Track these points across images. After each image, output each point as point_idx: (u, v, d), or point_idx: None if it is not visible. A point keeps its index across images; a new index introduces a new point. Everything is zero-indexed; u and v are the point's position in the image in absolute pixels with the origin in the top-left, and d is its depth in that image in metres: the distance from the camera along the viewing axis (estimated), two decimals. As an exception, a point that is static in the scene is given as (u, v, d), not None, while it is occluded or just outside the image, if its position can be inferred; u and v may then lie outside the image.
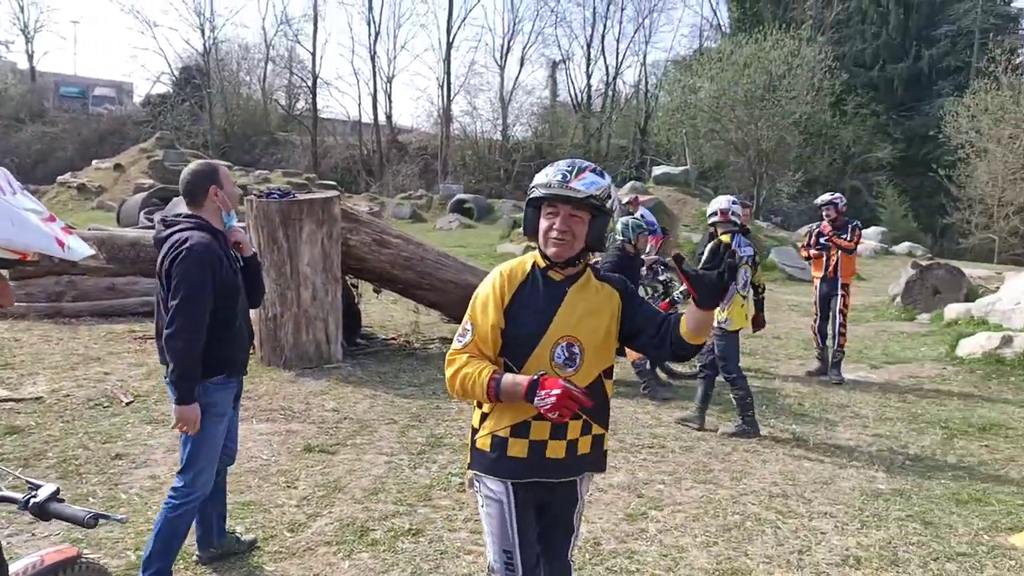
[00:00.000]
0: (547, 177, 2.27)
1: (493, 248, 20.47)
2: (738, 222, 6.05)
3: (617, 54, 44.61)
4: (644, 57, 50.36)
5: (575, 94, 42.73)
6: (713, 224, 6.14)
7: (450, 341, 8.29)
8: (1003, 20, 34.37)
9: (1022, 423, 6.41)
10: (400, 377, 7.22)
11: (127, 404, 5.80)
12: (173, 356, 2.99)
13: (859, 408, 6.81)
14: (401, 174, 36.30)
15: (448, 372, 2.29)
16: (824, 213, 7.94)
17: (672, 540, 3.96)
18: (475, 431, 2.36)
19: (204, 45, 40.04)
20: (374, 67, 41.07)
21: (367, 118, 42.01)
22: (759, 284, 6.21)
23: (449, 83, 40.40)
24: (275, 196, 7.39)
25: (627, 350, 7.07)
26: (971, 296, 12.25)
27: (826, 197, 7.99)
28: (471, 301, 2.37)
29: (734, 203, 6.08)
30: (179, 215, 3.26)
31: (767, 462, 5.31)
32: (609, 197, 2.30)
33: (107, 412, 5.63)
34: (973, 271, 14.72)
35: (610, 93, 42.62)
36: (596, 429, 2.34)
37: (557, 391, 2.08)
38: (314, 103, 40.95)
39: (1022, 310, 9.95)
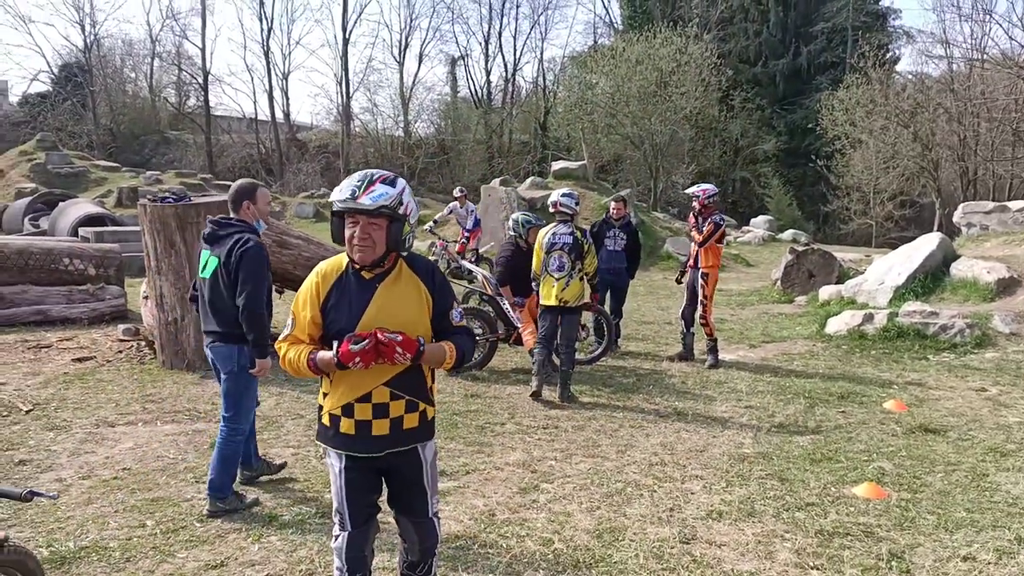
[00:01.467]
0: (341, 192, 2.54)
1: (397, 245, 20.60)
2: (568, 213, 6.84)
3: (515, 50, 45.35)
4: (541, 53, 51.42)
5: (475, 90, 43.12)
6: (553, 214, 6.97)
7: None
8: (872, 18, 36.76)
9: (876, 391, 7.16)
10: (305, 375, 7.39)
11: (27, 412, 5.77)
12: (255, 325, 4.01)
13: (735, 384, 7.44)
14: (302, 172, 35.78)
15: (280, 358, 2.68)
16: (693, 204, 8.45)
17: (560, 508, 4.36)
18: (320, 408, 2.71)
19: (85, 41, 38.31)
20: (268, 63, 40.25)
21: (264, 115, 41.17)
22: (588, 270, 6.81)
23: (347, 80, 40.05)
24: (170, 200, 7.41)
25: (524, 338, 7.52)
26: (842, 278, 13.26)
27: (692, 189, 8.47)
28: (296, 296, 2.73)
29: (564, 196, 6.92)
30: (230, 219, 4.26)
31: (650, 435, 5.81)
32: (401, 203, 2.56)
33: (6, 421, 5.60)
34: (844, 255, 15.90)
35: (510, 89, 43.21)
36: (421, 406, 2.70)
37: (364, 341, 2.45)
38: (206, 100, 39.80)
39: (884, 289, 10.93)
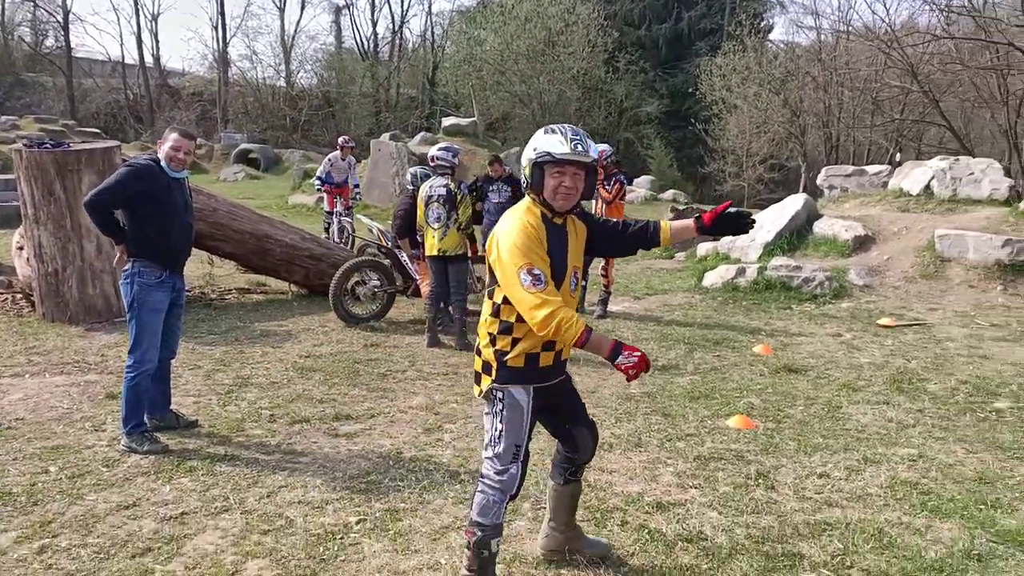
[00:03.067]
0: (561, 144, 2.70)
1: (284, 200, 20.13)
2: (446, 166, 7.08)
3: (402, 2, 44.39)
4: (429, 6, 50.48)
5: (361, 41, 42.10)
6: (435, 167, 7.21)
7: (248, 291, 8.46)
8: (750, -13, 38.26)
9: (746, 337, 7.80)
10: (199, 327, 7.29)
11: None
12: (91, 216, 4.33)
13: (622, 332, 7.90)
14: (175, 121, 33.90)
15: (542, 312, 2.61)
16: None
17: (464, 444, 4.62)
18: (504, 354, 2.83)
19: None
20: (136, 3, 37.82)
21: (131, 59, 38.67)
22: (461, 220, 7.00)
23: (224, 24, 38.19)
24: (47, 146, 7.05)
25: (422, 290, 7.67)
26: (718, 235, 14.11)
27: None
28: (506, 248, 2.70)
29: (441, 149, 7.18)
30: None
31: (544, 379, 6.14)
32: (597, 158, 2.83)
33: None
34: (721, 214, 16.81)
35: (397, 42, 42.39)
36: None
37: (638, 355, 2.68)
38: (67, 41, 36.99)
39: (755, 246, 11.73)
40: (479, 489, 2.95)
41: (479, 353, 2.95)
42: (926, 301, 9.31)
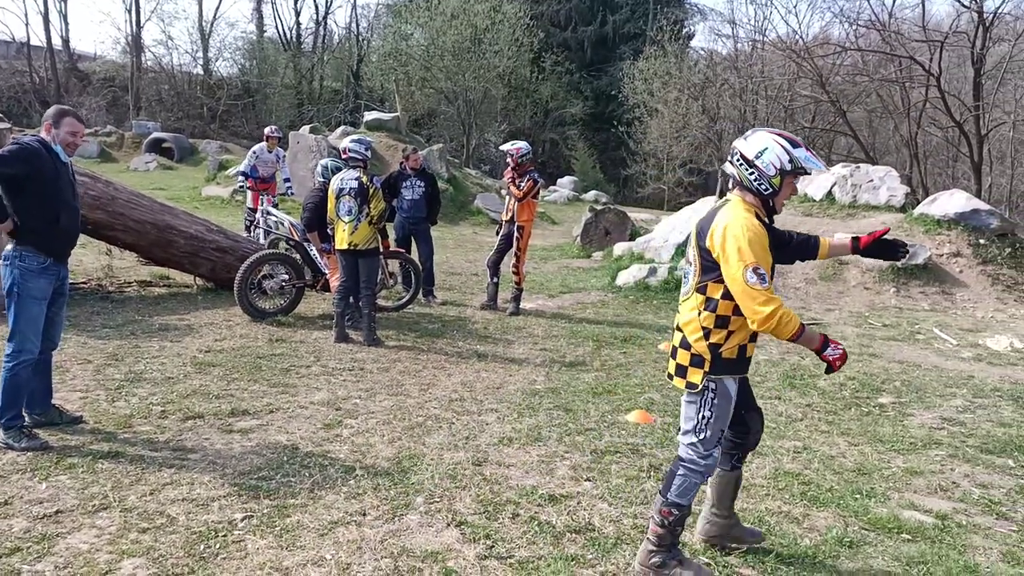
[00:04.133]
0: (812, 161, 2.98)
1: (198, 191, 19.52)
2: (358, 159, 7.05)
3: (328, -7, 43.58)
4: (355, -2, 49.61)
5: (284, 31, 41.15)
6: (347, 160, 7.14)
7: (150, 284, 8.16)
8: (672, -6, 39.12)
9: (654, 334, 7.98)
10: (93, 320, 7.01)
11: None
12: None
13: (533, 329, 7.98)
14: (85, 107, 32.46)
15: (768, 308, 2.83)
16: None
17: (363, 440, 4.58)
18: (718, 347, 3.02)
19: None
20: (44, -19, 35.86)
21: (38, 40, 36.77)
22: (373, 214, 6.89)
23: (138, 7, 36.72)
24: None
25: (332, 284, 7.55)
26: (634, 236, 14.38)
27: (506, 147, 8.88)
28: (737, 247, 2.87)
29: (353, 142, 7.09)
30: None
31: (452, 375, 6.15)
32: None
33: None
34: (638, 215, 17.20)
35: (321, 33, 41.64)
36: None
37: (841, 349, 2.94)
38: (-34, 18, 34.80)
39: (668, 246, 12.01)
40: (679, 472, 3.13)
41: (686, 347, 3.10)
42: (824, 302, 9.72)
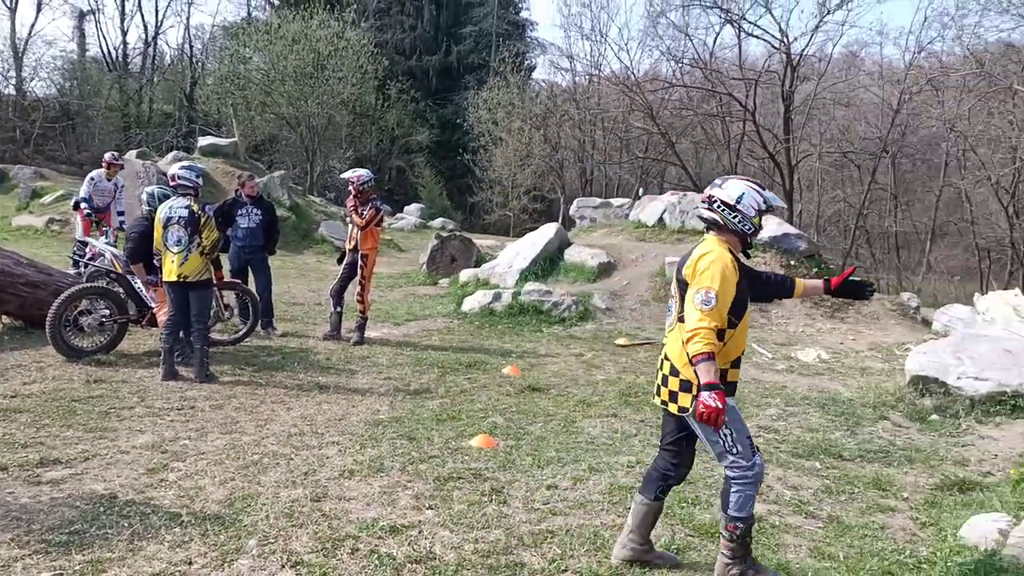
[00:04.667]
0: (776, 197, 3.46)
1: (7, 221, 17.84)
2: (189, 186, 6.72)
3: (156, 12, 41.57)
4: (188, 18, 47.56)
5: (109, 51, 38.60)
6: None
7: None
8: (513, 27, 40.38)
9: (498, 359, 8.10)
10: None
11: None
12: None
13: (378, 358, 7.88)
14: None
15: (699, 324, 3.12)
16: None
17: (191, 483, 4.33)
18: (724, 371, 3.28)
19: None
20: None
21: None
22: (206, 244, 6.64)
23: (-63, 20, 33.23)
24: None
25: (159, 319, 7.11)
26: (480, 262, 14.57)
27: (347, 175, 8.78)
28: (705, 274, 3.21)
29: (183, 168, 6.81)
30: None
31: (291, 409, 5.95)
32: None
33: None
34: (484, 241, 17.46)
35: (151, 53, 39.47)
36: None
37: (720, 405, 3.10)
38: None
39: (512, 272, 12.26)
40: (734, 490, 3.32)
41: (675, 374, 3.35)
42: (658, 321, 10.25)
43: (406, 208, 29.22)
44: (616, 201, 17.08)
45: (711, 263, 3.22)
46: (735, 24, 25.12)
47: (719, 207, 3.36)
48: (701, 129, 27.57)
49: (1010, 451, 5.51)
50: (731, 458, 3.31)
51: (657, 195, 15.60)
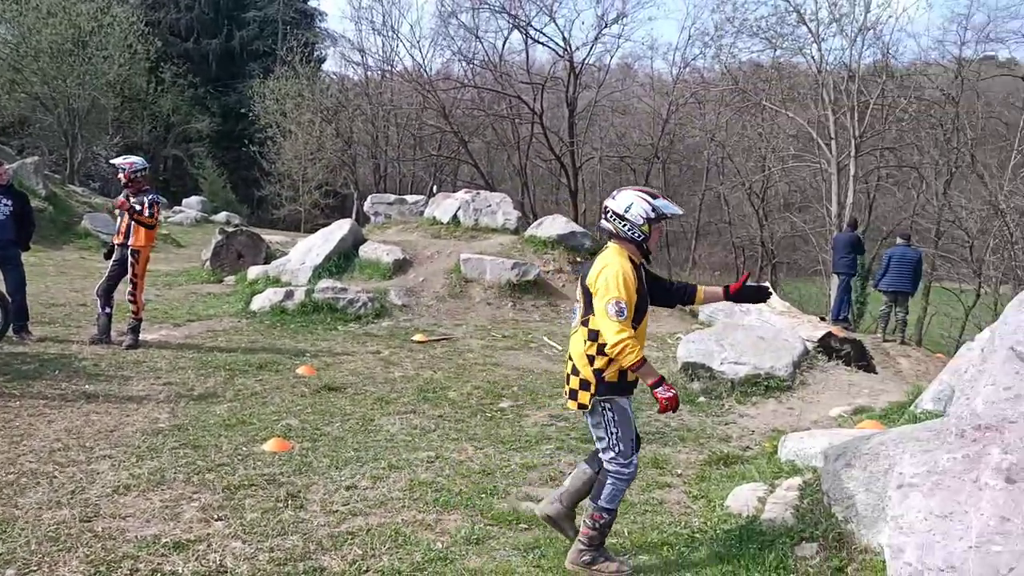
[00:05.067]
0: (671, 206, 3.60)
1: None
2: None
3: None
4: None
5: None
6: None
7: None
8: (301, 16, 38.92)
9: (291, 359, 7.79)
10: None
11: None
12: None
13: (155, 362, 7.29)
14: None
15: (618, 337, 3.29)
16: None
17: (-72, 513, 3.77)
18: (601, 372, 3.45)
19: None
20: None
21: None
22: None
23: None
24: None
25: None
26: (269, 259, 13.93)
27: (118, 161, 8.04)
28: (607, 283, 3.37)
29: None
30: None
31: (53, 422, 5.35)
32: None
33: None
34: (273, 237, 16.76)
35: None
36: None
37: (673, 392, 3.36)
38: None
39: (305, 269, 11.88)
40: (609, 482, 3.53)
41: (575, 373, 3.53)
42: (453, 317, 10.42)
43: (185, 201, 27.29)
44: (411, 198, 17.07)
45: (612, 275, 3.38)
46: (522, 30, 26.11)
47: (612, 217, 3.52)
48: (492, 130, 28.33)
49: (764, 427, 6.23)
50: (612, 454, 3.51)
51: (451, 192, 15.81)
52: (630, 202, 3.51)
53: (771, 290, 4.17)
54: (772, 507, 4.03)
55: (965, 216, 20.02)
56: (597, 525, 3.55)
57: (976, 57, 22.56)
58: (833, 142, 20.43)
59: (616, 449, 3.52)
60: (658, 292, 3.74)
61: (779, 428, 6.14)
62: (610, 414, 3.51)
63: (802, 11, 21.26)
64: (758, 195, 26.14)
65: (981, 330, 7.23)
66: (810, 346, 7.77)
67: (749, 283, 3.92)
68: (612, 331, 3.32)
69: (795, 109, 22.77)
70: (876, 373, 8.23)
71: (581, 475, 3.77)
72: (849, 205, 19.31)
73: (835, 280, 13.77)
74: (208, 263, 13.93)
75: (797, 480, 4.26)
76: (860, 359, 8.12)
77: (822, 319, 12.21)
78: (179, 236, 19.84)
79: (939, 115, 21.15)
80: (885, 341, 11.54)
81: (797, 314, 10.80)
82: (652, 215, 3.50)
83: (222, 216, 25.77)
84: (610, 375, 3.48)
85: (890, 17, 34.77)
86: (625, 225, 3.51)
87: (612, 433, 3.51)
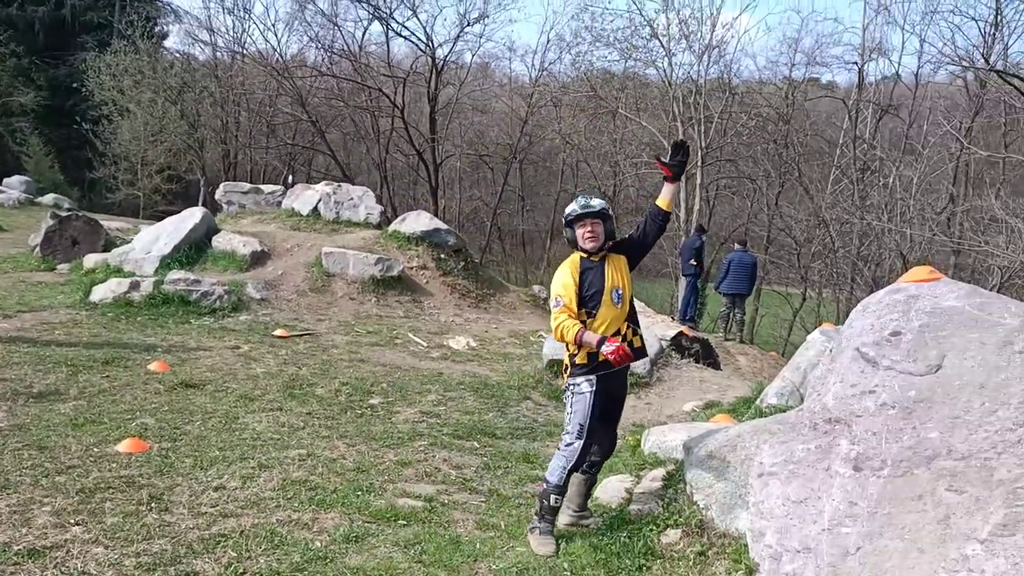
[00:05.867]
0: (577, 206, 3.88)
1: None
2: None
3: None
4: None
5: None
6: None
7: None
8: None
9: (141, 355, 7.34)
10: None
11: None
12: None
13: (-17, 357, 6.65)
14: None
15: (555, 322, 3.79)
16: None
17: None
18: (573, 356, 3.87)
19: None
20: None
21: None
22: None
23: None
24: None
25: None
26: (109, 247, 12.97)
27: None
28: (553, 287, 3.92)
29: None
30: None
31: None
32: (608, 209, 3.98)
33: None
34: (111, 223, 15.61)
35: None
36: (633, 335, 3.95)
37: (617, 344, 3.67)
38: None
39: (152, 258, 11.19)
40: (556, 456, 3.93)
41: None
42: (315, 312, 10.17)
43: (6, 181, 24.78)
44: (267, 188, 16.44)
45: (555, 280, 3.90)
46: (383, 21, 25.75)
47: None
48: (351, 121, 27.76)
49: (626, 421, 6.55)
50: (566, 431, 3.90)
51: (310, 184, 15.38)
52: (569, 209, 3.96)
53: (684, 142, 4.14)
54: (639, 497, 4.28)
55: (793, 225, 21.86)
56: (539, 493, 3.96)
57: (803, 79, 24.67)
58: (681, 151, 21.58)
59: (568, 427, 3.90)
60: (635, 246, 4.05)
61: (639, 423, 6.50)
62: (572, 396, 3.90)
63: (655, 25, 22.41)
64: (610, 199, 27.22)
65: (808, 331, 7.96)
66: (664, 344, 8.25)
67: (666, 160, 3.95)
68: (552, 319, 3.84)
69: (647, 118, 23.93)
70: (721, 370, 8.87)
71: (576, 479, 4.06)
72: (696, 211, 20.53)
73: (683, 282, 14.61)
74: (38, 249, 12.79)
75: (661, 471, 4.54)
76: (707, 357, 8.72)
77: (673, 319, 12.97)
78: (0, 219, 18.06)
79: (772, 131, 22.93)
80: (726, 340, 12.42)
81: (651, 314, 11.42)
82: (572, 216, 3.92)
83: (50, 198, 23.62)
84: (580, 358, 3.87)
85: (733, 37, 37.28)
86: (567, 228, 3.98)
87: (568, 413, 3.91)
